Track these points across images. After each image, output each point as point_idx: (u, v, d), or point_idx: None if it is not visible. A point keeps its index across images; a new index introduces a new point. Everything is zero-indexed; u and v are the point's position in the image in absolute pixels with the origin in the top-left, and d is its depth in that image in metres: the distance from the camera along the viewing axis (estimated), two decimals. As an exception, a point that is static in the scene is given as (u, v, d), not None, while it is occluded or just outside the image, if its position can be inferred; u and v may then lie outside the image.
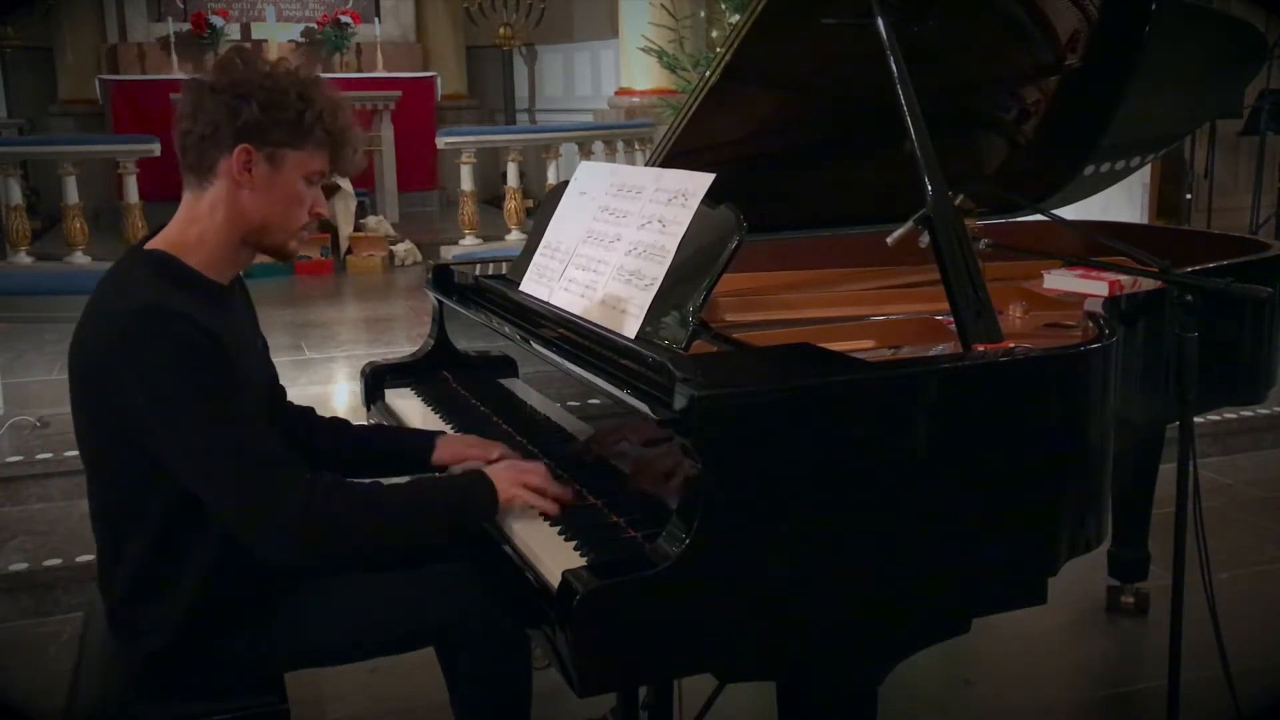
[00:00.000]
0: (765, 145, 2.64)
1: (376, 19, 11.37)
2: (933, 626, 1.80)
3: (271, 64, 1.78)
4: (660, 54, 7.16)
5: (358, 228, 8.17)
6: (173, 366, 1.64)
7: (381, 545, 1.81)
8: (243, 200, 1.76)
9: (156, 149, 7.60)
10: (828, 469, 1.64)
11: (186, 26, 10.57)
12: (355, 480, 1.83)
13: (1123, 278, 2.42)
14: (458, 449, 2.10)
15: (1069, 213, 2.81)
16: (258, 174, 1.75)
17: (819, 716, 1.77)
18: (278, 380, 2.11)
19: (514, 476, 1.86)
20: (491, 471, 1.87)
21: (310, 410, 2.20)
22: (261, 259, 1.90)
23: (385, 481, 1.89)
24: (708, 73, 2.37)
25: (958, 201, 1.98)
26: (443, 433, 2.17)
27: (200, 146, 1.74)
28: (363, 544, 1.77)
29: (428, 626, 1.92)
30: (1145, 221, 6.45)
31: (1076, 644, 3.17)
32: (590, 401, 2.00)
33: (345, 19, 11.12)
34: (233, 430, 1.67)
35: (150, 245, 1.79)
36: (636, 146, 8.70)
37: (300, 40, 11.06)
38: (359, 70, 11.05)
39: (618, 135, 8.77)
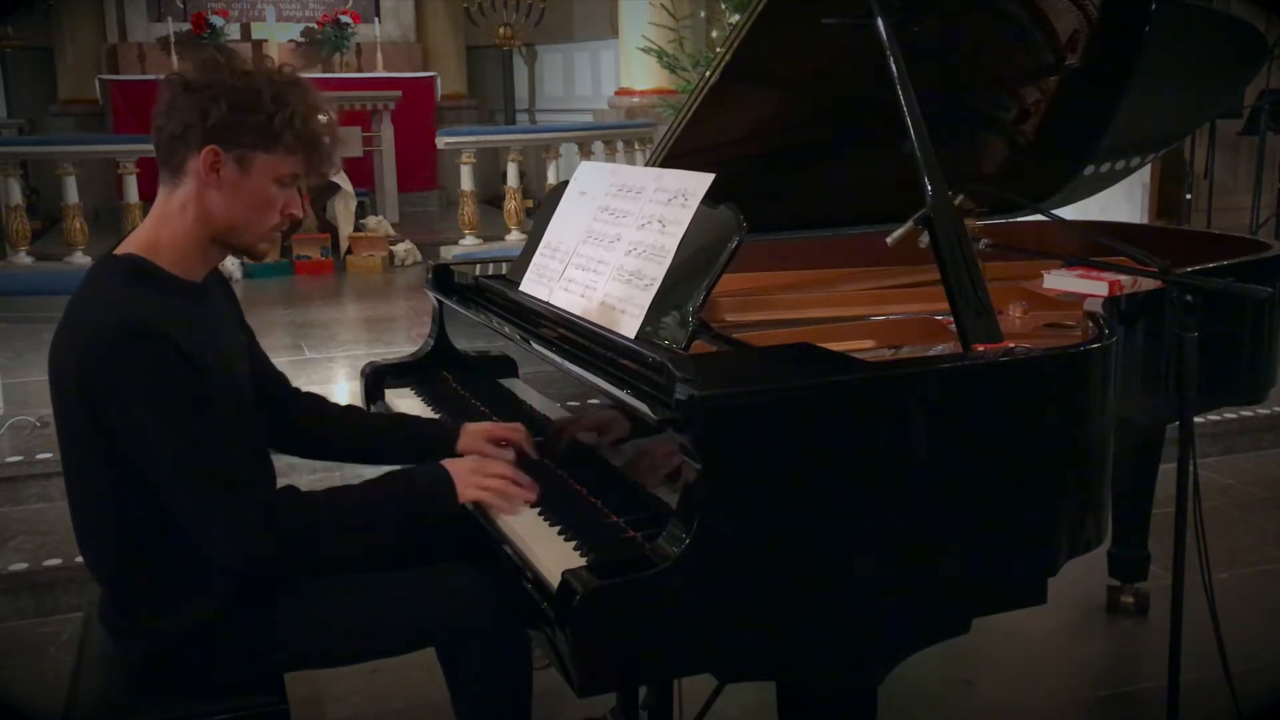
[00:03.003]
0: (765, 145, 2.64)
1: (376, 19, 11.36)
2: (933, 626, 1.80)
3: (252, 64, 1.76)
4: (660, 54, 7.15)
5: (358, 228, 8.17)
6: (140, 385, 1.65)
7: (342, 553, 1.84)
8: (211, 201, 1.75)
9: (156, 149, 7.58)
10: (827, 469, 1.64)
11: (186, 26, 10.56)
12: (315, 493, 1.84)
13: (1123, 278, 2.42)
14: (478, 447, 2.08)
15: (1069, 213, 2.81)
16: (225, 175, 1.73)
17: (819, 716, 1.77)
18: (271, 368, 2.10)
19: (476, 480, 1.87)
20: (453, 467, 1.89)
21: (320, 398, 2.18)
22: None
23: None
24: (708, 73, 2.37)
25: (958, 201, 1.98)
26: (463, 425, 2.13)
27: (171, 145, 1.74)
28: (323, 554, 1.81)
29: (428, 627, 1.92)
30: (1145, 221, 6.45)
31: (1076, 644, 3.16)
32: (590, 401, 1.99)
33: (345, 19, 11.11)
34: (196, 450, 1.68)
35: (122, 248, 1.79)
36: (636, 146, 8.69)
37: (300, 40, 11.05)
38: (359, 70, 11.03)
39: (618, 135, 8.76)
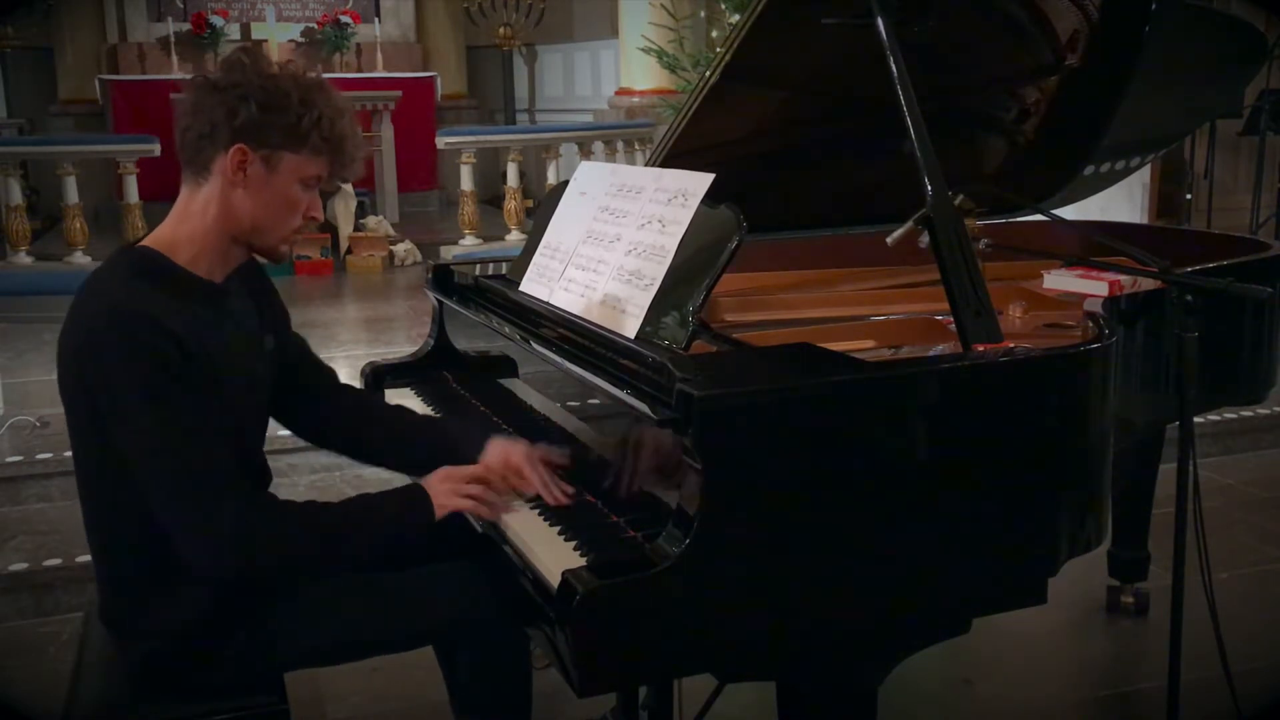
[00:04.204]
0: (765, 145, 2.64)
1: (376, 19, 11.36)
2: (932, 626, 1.80)
3: (277, 65, 1.77)
4: (660, 54, 7.16)
5: (358, 228, 8.17)
6: (131, 372, 1.65)
7: (314, 568, 1.83)
8: (235, 200, 1.75)
9: (156, 149, 7.60)
10: (827, 469, 1.64)
11: (186, 26, 10.56)
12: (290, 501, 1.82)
13: (1123, 278, 2.42)
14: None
15: (1069, 213, 2.81)
16: (252, 174, 1.74)
17: (819, 716, 1.77)
18: (317, 363, 2.11)
19: (450, 488, 1.86)
20: (427, 484, 1.88)
21: (366, 396, 2.18)
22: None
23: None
24: (708, 73, 2.37)
25: (958, 201, 1.98)
26: (494, 436, 2.03)
27: (197, 144, 1.74)
28: (295, 565, 1.79)
29: (427, 626, 1.92)
30: (1145, 221, 6.45)
31: (1076, 644, 3.17)
32: (590, 401, 1.99)
33: (345, 19, 11.11)
34: (179, 443, 1.67)
35: (143, 242, 1.79)
36: (636, 146, 8.69)
37: (300, 40, 11.05)
38: (359, 70, 11.04)
39: (618, 135, 8.76)
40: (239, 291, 1.88)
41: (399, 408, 2.20)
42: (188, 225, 1.78)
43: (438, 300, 2.69)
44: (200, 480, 1.68)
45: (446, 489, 1.87)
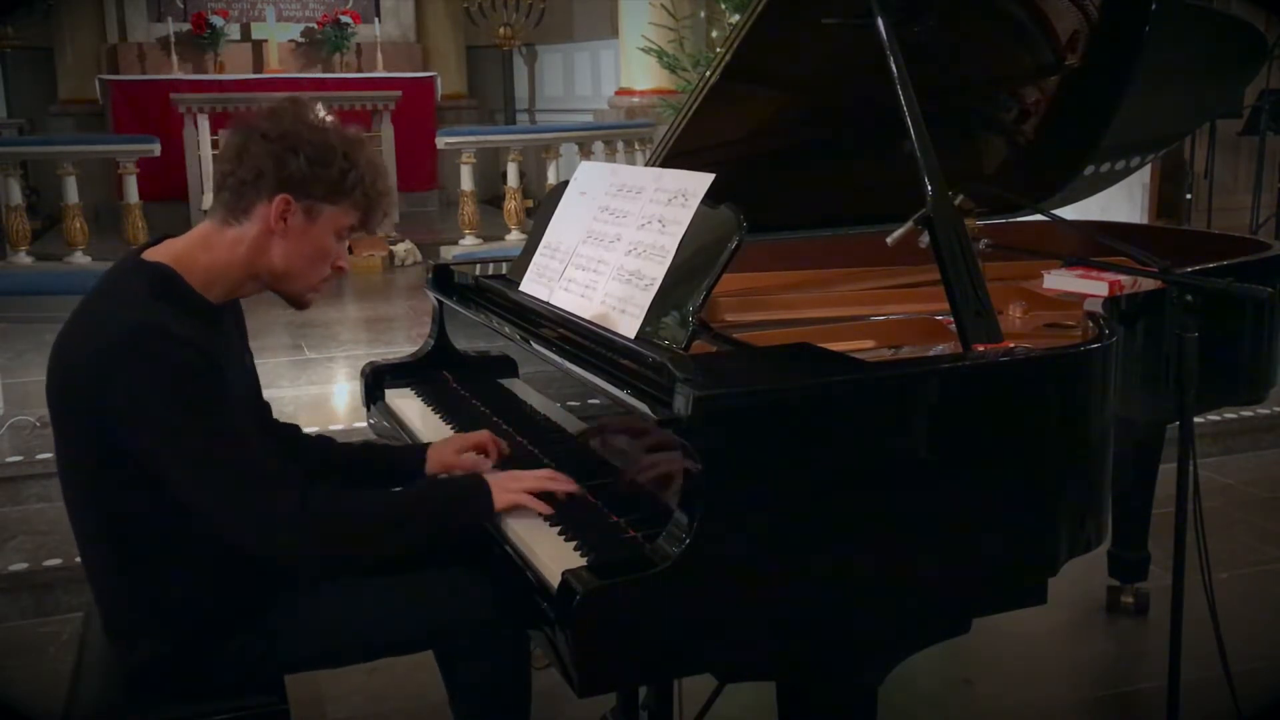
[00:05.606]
0: (765, 145, 2.64)
1: (376, 19, 11.35)
2: (933, 626, 1.80)
3: (320, 119, 1.81)
4: (660, 54, 7.16)
5: (358, 227, 8.16)
6: (165, 383, 1.66)
7: (374, 551, 1.85)
8: (272, 246, 1.79)
9: (156, 149, 7.59)
10: (827, 469, 1.64)
11: (186, 26, 10.55)
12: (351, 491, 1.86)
13: (1123, 278, 2.42)
14: (446, 459, 2.11)
15: (1069, 213, 2.81)
16: (293, 224, 1.78)
17: (819, 716, 1.77)
18: (261, 396, 2.12)
19: (514, 486, 1.89)
20: (490, 476, 1.92)
21: (295, 428, 2.21)
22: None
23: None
24: (708, 73, 2.37)
25: (958, 201, 1.98)
26: (429, 444, 2.16)
27: (240, 189, 1.77)
28: (355, 550, 1.82)
29: (427, 629, 1.92)
30: (1145, 221, 6.45)
31: (1076, 644, 3.16)
32: (590, 401, 2.00)
33: (345, 19, 11.10)
34: (224, 444, 1.69)
35: (152, 254, 1.80)
36: (636, 146, 8.69)
37: (300, 40, 11.05)
38: (359, 70, 11.03)
39: (618, 135, 8.76)
40: (227, 315, 1.90)
41: (322, 435, 2.26)
42: (210, 255, 1.80)
43: (438, 300, 2.69)
44: (253, 473, 1.71)
45: (510, 484, 1.89)
